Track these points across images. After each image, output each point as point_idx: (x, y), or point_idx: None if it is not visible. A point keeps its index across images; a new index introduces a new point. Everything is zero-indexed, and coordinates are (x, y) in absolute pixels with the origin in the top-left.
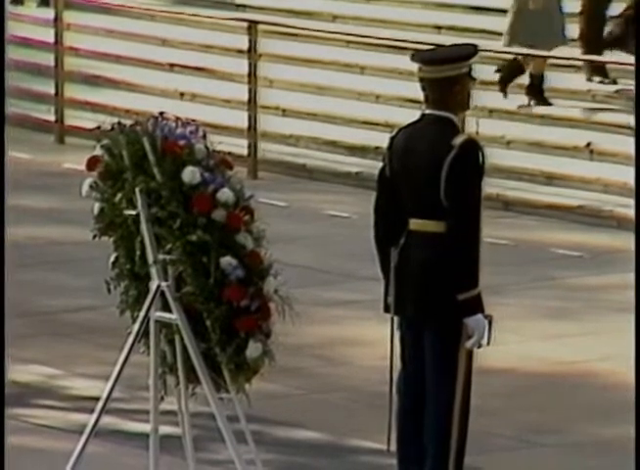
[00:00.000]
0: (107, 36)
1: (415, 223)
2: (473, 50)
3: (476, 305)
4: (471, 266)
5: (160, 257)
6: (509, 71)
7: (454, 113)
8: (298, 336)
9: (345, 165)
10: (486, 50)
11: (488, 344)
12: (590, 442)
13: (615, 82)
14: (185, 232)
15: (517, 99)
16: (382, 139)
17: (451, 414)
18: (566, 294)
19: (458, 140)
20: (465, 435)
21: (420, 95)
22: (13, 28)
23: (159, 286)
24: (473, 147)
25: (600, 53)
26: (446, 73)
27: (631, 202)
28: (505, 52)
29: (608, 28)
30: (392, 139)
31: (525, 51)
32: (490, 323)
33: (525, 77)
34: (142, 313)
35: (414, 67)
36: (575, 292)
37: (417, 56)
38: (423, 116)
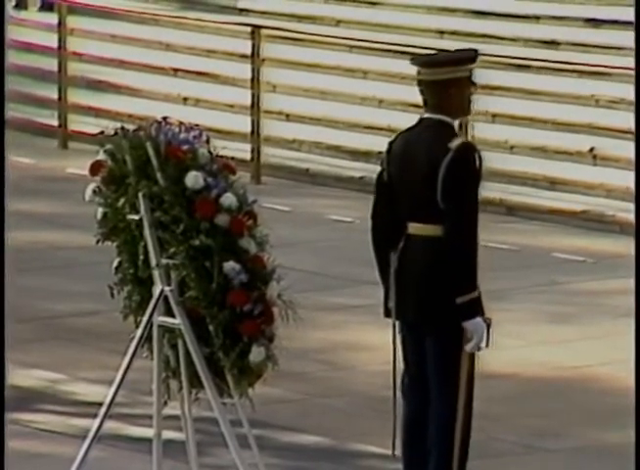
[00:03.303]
0: (110, 41)
1: (413, 227)
2: (472, 54)
3: (474, 309)
4: (468, 269)
5: (164, 261)
6: None
7: (452, 116)
8: (302, 340)
9: (348, 170)
10: (489, 54)
11: (487, 347)
12: (591, 446)
13: None
14: (188, 237)
15: (519, 103)
16: (385, 144)
17: (454, 420)
18: (568, 298)
19: (454, 143)
20: (468, 439)
21: None
22: (16, 33)
23: (162, 291)
24: (469, 150)
25: None
26: (443, 76)
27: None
28: (508, 56)
29: None
30: (391, 144)
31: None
32: (489, 326)
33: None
34: (145, 318)
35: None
36: (578, 297)
37: (416, 59)
38: (421, 120)
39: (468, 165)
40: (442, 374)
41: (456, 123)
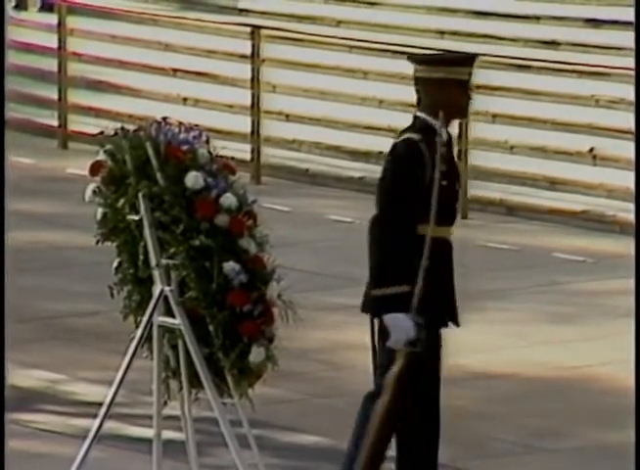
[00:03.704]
0: (110, 41)
1: None
2: (467, 56)
3: (392, 304)
4: (384, 263)
5: (164, 261)
6: None
7: (444, 117)
8: (302, 341)
9: (348, 170)
10: (489, 54)
11: (416, 347)
12: (591, 446)
13: None
14: (188, 237)
15: (519, 104)
16: (384, 144)
17: (368, 410)
18: (568, 299)
19: (399, 139)
20: (385, 439)
21: None
22: (16, 34)
23: (162, 291)
24: (406, 146)
25: None
26: (440, 75)
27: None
28: (508, 57)
29: None
30: None
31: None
32: (419, 326)
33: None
34: (145, 318)
35: None
36: (578, 297)
37: (412, 57)
38: (416, 118)
39: (398, 161)
40: (378, 365)
41: (455, 124)
